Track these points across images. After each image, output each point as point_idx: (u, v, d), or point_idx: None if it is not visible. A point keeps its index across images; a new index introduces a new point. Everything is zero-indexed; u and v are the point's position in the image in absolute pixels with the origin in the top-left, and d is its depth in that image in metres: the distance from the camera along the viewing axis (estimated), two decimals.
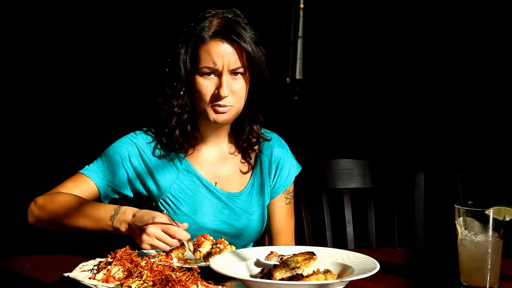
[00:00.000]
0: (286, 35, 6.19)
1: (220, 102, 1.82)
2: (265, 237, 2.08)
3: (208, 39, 1.81)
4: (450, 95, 4.06)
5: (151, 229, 1.64)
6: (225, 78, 1.81)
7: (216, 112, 1.84)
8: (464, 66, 3.95)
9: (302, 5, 6.16)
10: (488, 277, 1.47)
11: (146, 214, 1.69)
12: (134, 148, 1.90)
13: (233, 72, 1.83)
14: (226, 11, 1.86)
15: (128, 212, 1.72)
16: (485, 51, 3.82)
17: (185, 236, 1.66)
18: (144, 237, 1.65)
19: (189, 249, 1.69)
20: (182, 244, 1.72)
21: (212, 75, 1.83)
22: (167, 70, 1.87)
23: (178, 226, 1.66)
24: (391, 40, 4.56)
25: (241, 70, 1.83)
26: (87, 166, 1.90)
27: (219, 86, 1.81)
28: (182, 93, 1.86)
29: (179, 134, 1.89)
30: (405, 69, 4.44)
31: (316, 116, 5.37)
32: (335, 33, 5.22)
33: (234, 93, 1.84)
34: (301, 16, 6.19)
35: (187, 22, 1.87)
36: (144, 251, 1.69)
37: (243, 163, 1.98)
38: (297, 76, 6.26)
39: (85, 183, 1.87)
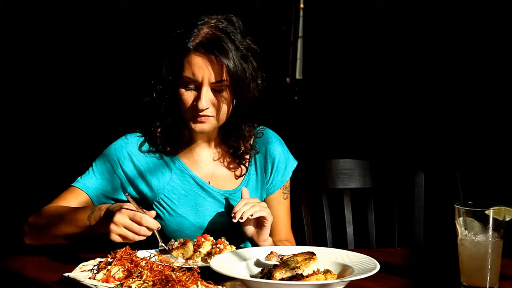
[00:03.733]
0: (286, 35, 6.19)
1: (200, 113, 1.81)
2: None
3: (192, 50, 1.78)
4: (450, 95, 4.06)
5: (117, 217, 1.61)
6: (204, 90, 1.79)
7: (195, 121, 1.83)
8: (464, 66, 3.95)
9: (302, 5, 6.16)
10: (488, 277, 1.47)
11: (116, 205, 1.67)
12: (124, 154, 1.90)
13: (214, 85, 1.80)
14: (220, 18, 1.83)
15: (102, 208, 1.70)
16: (485, 51, 3.82)
17: (153, 224, 1.62)
18: (112, 226, 1.61)
19: (159, 239, 1.67)
20: (183, 244, 1.72)
21: (193, 86, 1.80)
22: (152, 72, 1.86)
23: (145, 213, 1.62)
24: (392, 41, 4.56)
25: (222, 84, 1.80)
26: (79, 178, 1.90)
27: (197, 98, 1.80)
28: (167, 96, 1.86)
29: (162, 135, 1.89)
30: (405, 70, 4.44)
31: (316, 116, 5.37)
32: (335, 33, 5.22)
33: (215, 105, 1.82)
34: (301, 16, 6.18)
35: (178, 26, 1.85)
36: (144, 251, 1.69)
37: (237, 161, 1.98)
38: (297, 76, 6.26)
39: (78, 196, 1.87)
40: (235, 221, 1.75)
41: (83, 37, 5.18)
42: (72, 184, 1.89)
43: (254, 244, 1.90)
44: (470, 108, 3.90)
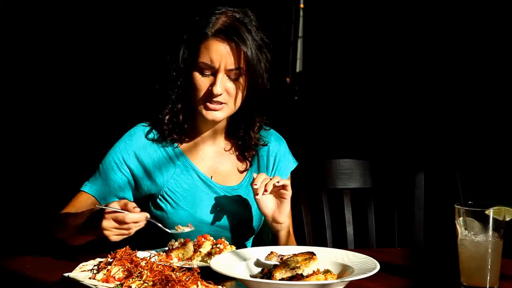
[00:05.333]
0: (286, 35, 6.19)
1: (213, 99, 1.83)
2: (264, 235, 2.08)
3: (210, 36, 1.81)
4: (450, 94, 4.06)
5: (104, 224, 1.61)
6: (220, 76, 1.81)
7: (208, 108, 1.84)
8: (464, 66, 3.95)
9: (302, 5, 6.16)
10: (488, 277, 1.47)
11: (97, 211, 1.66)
12: (129, 152, 1.91)
13: (230, 72, 1.83)
14: (236, 10, 1.86)
15: (85, 214, 1.70)
16: (485, 51, 3.82)
17: (139, 218, 1.61)
18: (105, 232, 1.62)
19: (158, 224, 1.68)
20: (183, 244, 1.72)
21: (209, 72, 1.83)
22: (168, 58, 1.88)
23: (129, 211, 1.60)
24: (391, 40, 4.56)
25: (238, 71, 1.83)
26: (86, 182, 1.92)
27: (213, 84, 1.82)
28: (179, 83, 1.87)
29: (169, 121, 1.91)
30: (405, 69, 4.44)
31: (316, 116, 5.37)
32: (335, 33, 5.22)
33: (229, 93, 1.84)
34: (301, 16, 6.19)
35: (195, 16, 1.87)
36: (144, 251, 1.69)
37: (241, 158, 2.00)
38: (297, 70, 6.26)
39: (87, 200, 1.90)
40: (258, 196, 1.76)
41: (84, 35, 5.18)
42: (81, 189, 1.92)
43: (257, 243, 1.90)
44: (470, 107, 3.90)
